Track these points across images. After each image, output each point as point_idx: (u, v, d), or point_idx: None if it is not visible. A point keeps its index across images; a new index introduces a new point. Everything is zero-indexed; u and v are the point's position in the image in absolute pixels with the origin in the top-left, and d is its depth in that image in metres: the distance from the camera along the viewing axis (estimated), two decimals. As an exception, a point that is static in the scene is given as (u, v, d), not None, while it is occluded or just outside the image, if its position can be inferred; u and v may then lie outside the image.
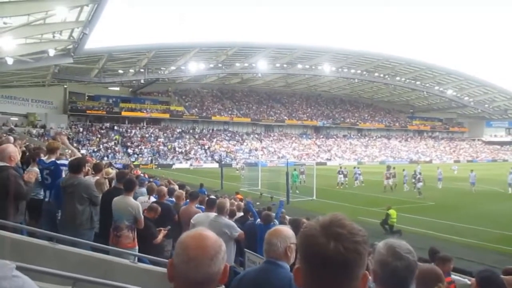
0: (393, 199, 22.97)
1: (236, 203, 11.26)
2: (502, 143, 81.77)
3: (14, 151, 5.01)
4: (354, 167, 33.20)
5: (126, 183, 6.27)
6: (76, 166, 5.82)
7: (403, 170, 29.80)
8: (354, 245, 1.08)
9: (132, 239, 5.87)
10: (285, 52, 55.32)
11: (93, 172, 7.39)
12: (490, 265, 8.82)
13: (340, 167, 32.04)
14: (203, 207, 8.69)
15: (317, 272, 1.09)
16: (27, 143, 13.60)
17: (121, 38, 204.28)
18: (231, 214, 8.05)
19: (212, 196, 8.93)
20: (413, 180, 26.50)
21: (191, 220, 6.42)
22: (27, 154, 7.83)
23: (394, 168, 29.55)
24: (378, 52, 60.86)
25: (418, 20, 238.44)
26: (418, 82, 68.86)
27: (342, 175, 30.03)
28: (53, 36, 28.33)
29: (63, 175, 6.13)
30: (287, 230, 2.79)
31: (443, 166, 37.10)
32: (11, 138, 7.33)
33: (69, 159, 6.69)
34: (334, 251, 1.06)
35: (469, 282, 3.96)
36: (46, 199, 6.23)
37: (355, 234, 1.11)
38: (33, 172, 6.15)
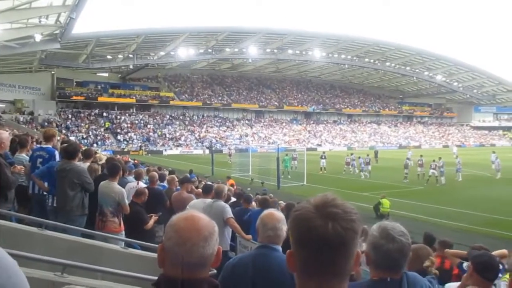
0: (386, 184, 23.20)
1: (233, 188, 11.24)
2: (490, 128, 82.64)
3: (7, 138, 4.91)
4: (359, 157, 30.31)
5: (110, 167, 6.23)
6: (71, 152, 5.77)
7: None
8: (351, 223, 1.07)
9: (118, 224, 5.83)
10: (276, 37, 54.98)
11: (82, 158, 7.30)
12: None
13: (323, 152, 32.61)
14: (193, 195, 8.65)
15: (315, 254, 1.07)
16: (14, 130, 13.44)
17: (109, 22, 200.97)
18: (227, 199, 8.02)
19: (209, 183, 8.89)
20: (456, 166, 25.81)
21: (187, 207, 6.36)
22: (16, 141, 7.71)
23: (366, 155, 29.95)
24: (369, 37, 60.81)
25: (408, 5, 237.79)
26: (408, 68, 69.04)
27: (324, 160, 30.10)
28: (39, 21, 27.84)
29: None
30: (280, 213, 2.80)
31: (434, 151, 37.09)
32: (-3, 124, 7.19)
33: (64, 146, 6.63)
34: (332, 232, 1.04)
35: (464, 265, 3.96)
36: (31, 191, 6.16)
37: (350, 212, 1.09)
38: (22, 167, 6.07)
